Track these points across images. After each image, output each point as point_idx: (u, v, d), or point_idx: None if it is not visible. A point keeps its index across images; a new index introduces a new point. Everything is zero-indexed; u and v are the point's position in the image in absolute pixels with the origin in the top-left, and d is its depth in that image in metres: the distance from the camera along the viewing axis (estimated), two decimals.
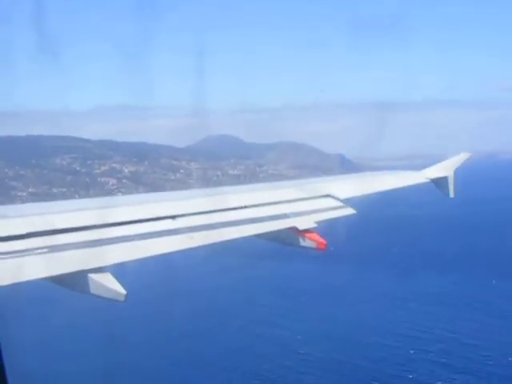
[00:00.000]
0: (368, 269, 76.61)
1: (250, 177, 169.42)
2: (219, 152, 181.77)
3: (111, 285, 6.44)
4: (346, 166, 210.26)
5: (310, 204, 9.78)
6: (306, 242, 8.85)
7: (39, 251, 6.33)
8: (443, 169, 12.87)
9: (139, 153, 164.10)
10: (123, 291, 6.44)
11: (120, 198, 10.31)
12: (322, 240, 8.91)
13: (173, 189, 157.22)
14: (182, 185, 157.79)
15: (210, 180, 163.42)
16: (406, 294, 65.59)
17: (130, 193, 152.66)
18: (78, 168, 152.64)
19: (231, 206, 8.72)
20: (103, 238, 6.96)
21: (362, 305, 63.25)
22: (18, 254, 6.17)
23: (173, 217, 7.84)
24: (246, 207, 8.90)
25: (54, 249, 6.47)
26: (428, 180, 12.56)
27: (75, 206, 8.17)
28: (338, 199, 10.11)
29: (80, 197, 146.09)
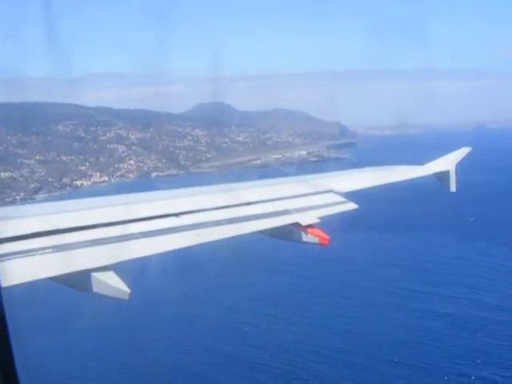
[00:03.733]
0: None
1: (258, 144, 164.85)
2: (215, 119, 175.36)
3: (115, 283, 6.36)
4: (344, 133, 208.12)
5: (313, 199, 9.79)
6: (308, 238, 8.81)
7: (44, 251, 6.32)
8: (445, 163, 13.00)
9: (141, 119, 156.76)
10: (127, 290, 6.30)
11: (121, 197, 9.00)
12: (324, 235, 8.80)
13: (186, 156, 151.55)
14: (194, 152, 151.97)
15: (220, 147, 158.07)
16: None
17: (143, 160, 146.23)
18: (82, 135, 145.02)
19: (234, 203, 8.71)
20: (107, 237, 6.91)
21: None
22: (23, 255, 6.15)
23: (176, 214, 7.87)
24: (248, 204, 8.90)
25: (58, 249, 6.45)
26: (430, 174, 12.68)
27: (79, 205, 8.18)
28: (340, 194, 10.12)
29: (90, 164, 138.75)
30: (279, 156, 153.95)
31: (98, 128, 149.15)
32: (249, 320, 48.94)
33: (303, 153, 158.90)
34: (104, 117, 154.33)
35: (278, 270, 61.57)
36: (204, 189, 9.98)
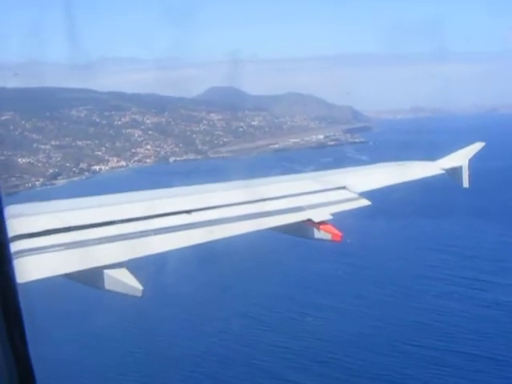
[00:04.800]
0: None
1: (274, 128, 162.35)
2: (228, 103, 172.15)
3: (128, 280, 6.31)
4: (357, 117, 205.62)
5: (326, 196, 9.76)
6: (321, 234, 8.72)
7: (57, 248, 6.40)
8: (457, 159, 12.73)
9: (155, 104, 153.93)
10: (140, 287, 6.28)
11: (133, 194, 8.91)
12: (337, 232, 8.72)
13: (203, 140, 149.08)
14: (211, 136, 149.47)
15: (237, 131, 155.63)
16: None
17: (160, 145, 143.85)
18: (97, 120, 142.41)
19: (246, 200, 8.65)
20: (120, 234, 6.93)
21: None
22: (38, 251, 6.23)
23: (189, 211, 7.87)
24: (261, 200, 8.88)
25: (71, 246, 6.50)
26: (443, 170, 12.39)
27: (92, 202, 8.21)
28: (353, 191, 10.09)
29: (107, 149, 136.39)
30: (297, 140, 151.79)
31: (113, 113, 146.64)
32: (305, 310, 47.00)
33: (321, 137, 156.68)
34: (117, 101, 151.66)
35: (313, 259, 58.96)
36: (217, 185, 9.87)
